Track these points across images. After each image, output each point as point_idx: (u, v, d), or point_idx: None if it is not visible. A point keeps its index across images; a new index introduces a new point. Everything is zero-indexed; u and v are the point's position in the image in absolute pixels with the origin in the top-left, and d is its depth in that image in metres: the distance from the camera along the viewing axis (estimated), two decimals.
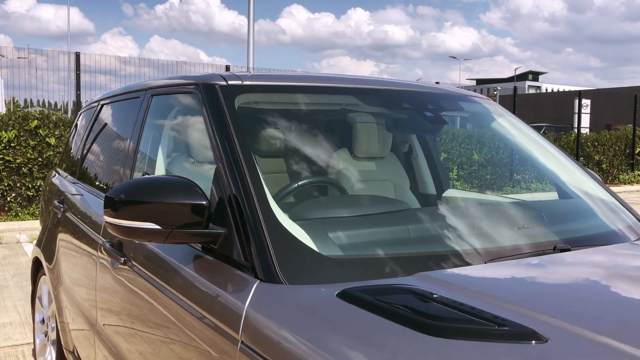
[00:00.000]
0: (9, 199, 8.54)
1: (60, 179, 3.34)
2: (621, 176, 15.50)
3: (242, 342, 1.30)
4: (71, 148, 3.50)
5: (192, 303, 1.52)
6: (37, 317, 3.39)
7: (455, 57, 61.88)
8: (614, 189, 14.49)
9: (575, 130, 18.76)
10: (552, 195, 2.44)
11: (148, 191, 1.52)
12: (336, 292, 1.25)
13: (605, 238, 1.83)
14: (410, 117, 2.65)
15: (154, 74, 12.84)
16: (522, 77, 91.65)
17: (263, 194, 1.55)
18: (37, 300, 3.40)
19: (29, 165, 8.58)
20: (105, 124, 2.88)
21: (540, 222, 1.85)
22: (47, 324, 3.24)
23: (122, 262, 1.97)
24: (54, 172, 3.68)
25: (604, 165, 15.18)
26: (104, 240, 2.19)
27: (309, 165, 2.20)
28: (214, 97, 1.82)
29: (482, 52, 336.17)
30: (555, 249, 1.61)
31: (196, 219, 1.51)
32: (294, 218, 1.61)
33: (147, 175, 2.12)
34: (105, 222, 1.58)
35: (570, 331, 1.06)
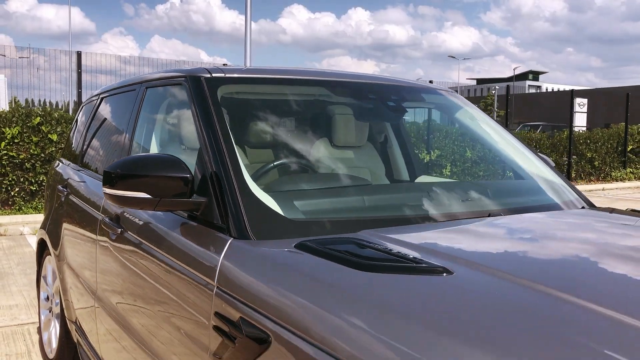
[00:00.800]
0: (12, 193, 8.82)
1: (64, 167, 3.61)
2: (613, 173, 15.76)
3: (217, 287, 1.56)
4: (72, 140, 3.77)
5: (178, 260, 1.79)
6: (42, 295, 3.66)
7: (454, 57, 62.19)
8: (606, 185, 14.75)
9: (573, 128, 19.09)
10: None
11: (141, 166, 1.79)
12: (294, 244, 1.52)
13: (540, 208, 2.10)
14: (385, 109, 2.91)
15: None
16: (523, 76, 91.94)
17: (239, 170, 1.81)
18: (42, 280, 3.67)
19: (32, 161, 8.86)
20: (105, 115, 3.15)
21: (484, 196, 2.12)
22: (51, 300, 3.51)
23: (119, 232, 2.24)
24: (57, 161, 3.95)
25: (596, 162, 15.44)
26: (104, 216, 2.46)
27: (290, 152, 2.46)
28: (199, 87, 2.09)
29: (483, 51, 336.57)
30: (490, 215, 1.88)
31: (182, 189, 1.78)
32: (267, 191, 1.88)
33: (140, 154, 2.39)
34: (104, 193, 1.85)
35: (473, 268, 1.33)
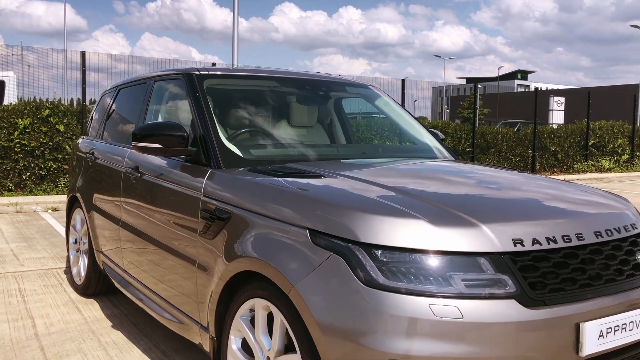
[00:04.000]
0: (24, 177, 9.90)
1: (86, 141, 4.75)
2: (575, 166, 17.00)
3: (202, 195, 2.70)
4: (94, 121, 4.89)
5: (179, 185, 2.93)
6: (71, 240, 4.78)
7: (439, 56, 63.80)
8: (568, 177, 15.97)
9: (549, 125, 20.45)
10: None
11: (156, 128, 2.92)
12: (248, 169, 2.68)
13: (417, 158, 3.26)
14: (324, 98, 4.06)
15: (146, 71, 14.14)
16: (511, 76, 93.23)
17: (217, 131, 2.95)
18: (71, 228, 4.79)
19: (42, 149, 9.95)
20: (124, 100, 4.29)
21: (375, 152, 3.28)
22: (79, 242, 4.63)
23: (138, 176, 3.38)
24: (80, 139, 5.07)
25: (560, 155, 16.67)
26: (126, 167, 3.59)
27: (254, 124, 3.58)
28: (191, 81, 3.23)
29: (474, 51, 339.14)
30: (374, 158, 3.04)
31: (181, 142, 2.91)
32: (236, 145, 3.02)
33: (154, 121, 3.53)
34: (133, 145, 2.97)
35: (336, 176, 2.48)
